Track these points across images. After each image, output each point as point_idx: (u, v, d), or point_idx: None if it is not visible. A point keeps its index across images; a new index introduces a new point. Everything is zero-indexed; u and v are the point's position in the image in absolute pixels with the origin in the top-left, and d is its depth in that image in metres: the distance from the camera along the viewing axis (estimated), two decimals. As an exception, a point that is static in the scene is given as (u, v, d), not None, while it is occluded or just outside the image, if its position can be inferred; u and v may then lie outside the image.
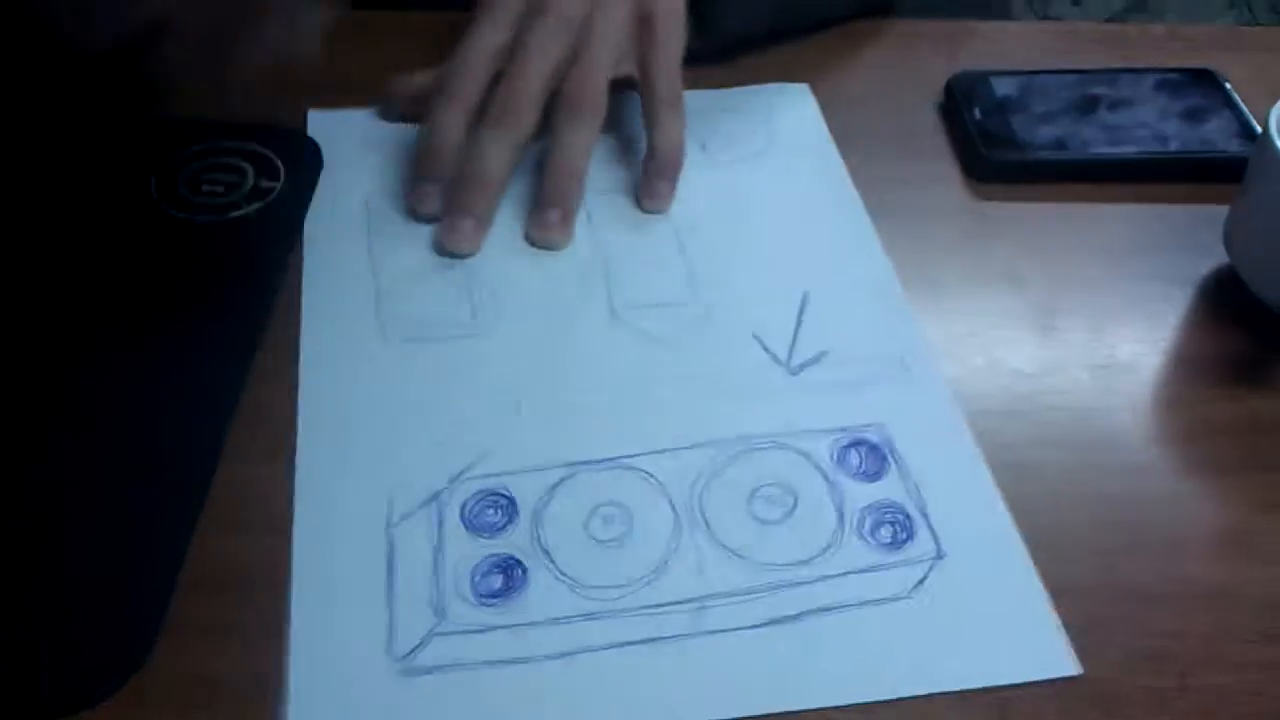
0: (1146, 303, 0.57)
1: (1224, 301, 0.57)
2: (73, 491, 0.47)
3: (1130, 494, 0.49)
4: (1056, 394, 0.53)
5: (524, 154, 0.60)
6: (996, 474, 0.49)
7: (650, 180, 0.61)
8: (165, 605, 0.43)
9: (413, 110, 0.64)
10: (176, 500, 0.47)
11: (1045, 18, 0.85)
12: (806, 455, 0.49)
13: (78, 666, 0.41)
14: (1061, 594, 0.45)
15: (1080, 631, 0.43)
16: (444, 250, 0.58)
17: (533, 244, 0.59)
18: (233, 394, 0.51)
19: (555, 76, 0.59)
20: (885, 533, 0.46)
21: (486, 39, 0.60)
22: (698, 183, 0.63)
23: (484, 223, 0.59)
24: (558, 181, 0.60)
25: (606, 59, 0.60)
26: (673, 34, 0.62)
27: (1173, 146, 0.65)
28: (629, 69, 0.62)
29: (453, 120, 0.59)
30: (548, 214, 0.59)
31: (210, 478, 0.48)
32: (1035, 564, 0.46)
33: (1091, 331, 0.56)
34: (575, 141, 0.60)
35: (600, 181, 0.63)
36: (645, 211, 0.62)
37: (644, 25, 0.61)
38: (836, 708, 0.41)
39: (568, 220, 0.60)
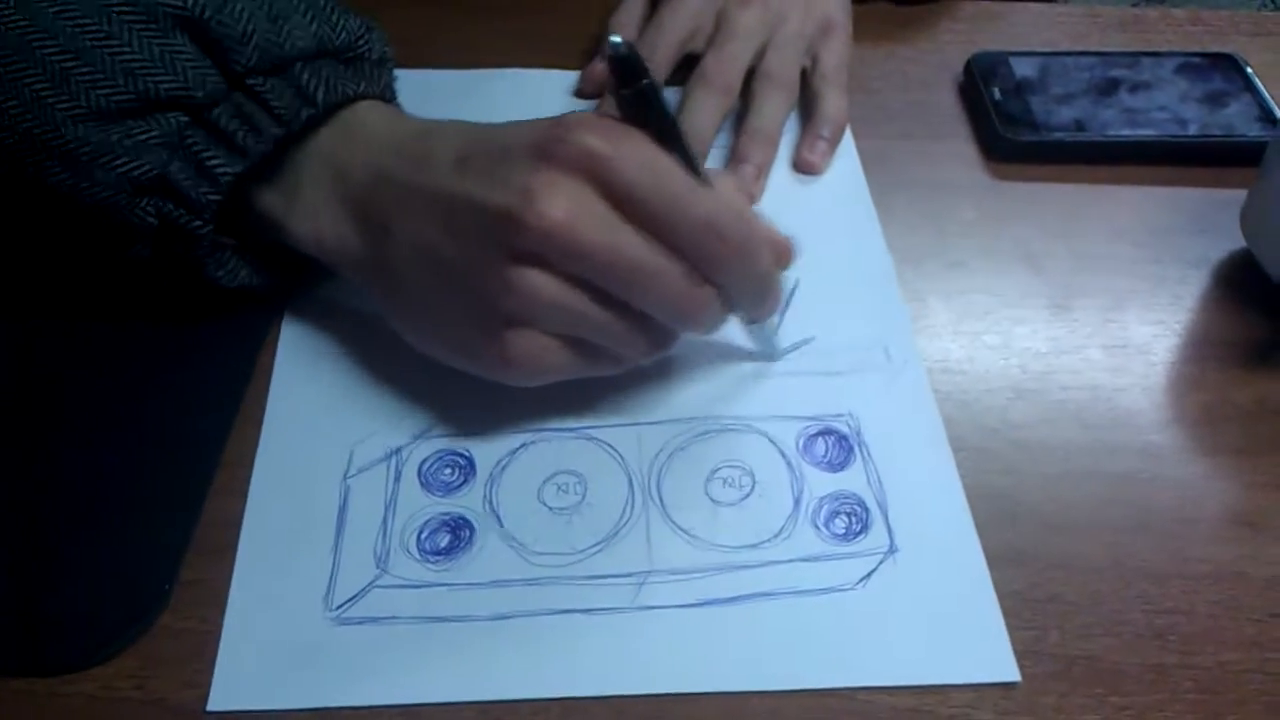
0: (1162, 285, 0.57)
1: (1239, 285, 0.57)
2: (94, 462, 0.47)
3: (1142, 473, 0.49)
4: (1070, 373, 0.53)
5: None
6: (1008, 452, 0.49)
7: (813, 138, 0.64)
8: (176, 568, 0.44)
9: (596, 88, 0.68)
10: (190, 470, 0.47)
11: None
12: (772, 440, 0.49)
13: (91, 625, 0.42)
14: (1070, 572, 0.45)
15: (1088, 609, 0.44)
16: None
17: None
18: (245, 369, 0.52)
19: (755, 57, 0.65)
20: (840, 524, 0.46)
21: (681, 23, 0.65)
22: None
23: None
24: (755, 140, 0.63)
25: (798, 49, 0.66)
26: (847, 40, 0.68)
27: (1192, 130, 0.64)
28: (806, 63, 0.67)
29: None
30: (743, 169, 0.62)
31: (223, 446, 0.48)
32: (1046, 543, 0.46)
33: (1106, 312, 0.56)
34: (773, 109, 0.64)
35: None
36: (800, 169, 0.64)
37: (825, 29, 0.67)
38: (764, 692, 0.41)
39: (761, 176, 0.62)
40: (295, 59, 0.48)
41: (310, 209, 0.49)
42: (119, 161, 0.46)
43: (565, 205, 0.41)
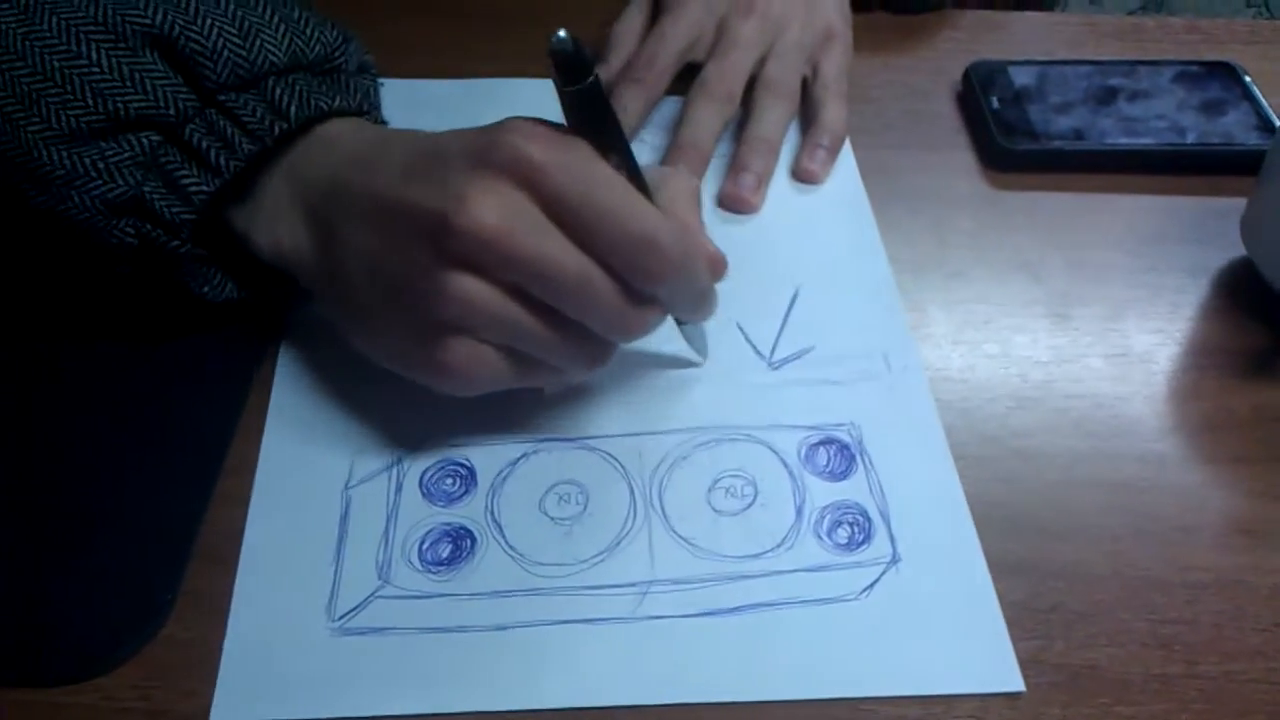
0: (1162, 293, 0.57)
1: (1239, 293, 0.57)
2: (95, 473, 0.47)
3: (1143, 482, 0.49)
4: (1071, 382, 0.53)
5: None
6: (1009, 461, 0.49)
7: (813, 147, 0.64)
8: (179, 578, 0.44)
9: None
10: (192, 480, 0.47)
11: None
12: (774, 450, 0.49)
13: (93, 635, 0.42)
14: (1073, 581, 0.45)
15: (1091, 618, 0.44)
16: None
17: (726, 206, 0.61)
18: (245, 379, 0.52)
19: (755, 66, 0.65)
20: (842, 533, 0.46)
21: (682, 32, 0.66)
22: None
23: None
24: (756, 148, 0.63)
25: (799, 58, 0.66)
26: (848, 50, 0.69)
27: (1190, 139, 0.65)
28: (806, 72, 0.67)
29: (636, 104, 0.64)
30: (744, 177, 0.62)
31: (224, 456, 0.48)
32: (1048, 552, 0.46)
33: (1106, 321, 0.56)
34: (774, 118, 0.64)
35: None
36: (800, 178, 0.64)
37: (826, 38, 0.67)
38: (767, 703, 0.41)
39: (762, 185, 0.62)
40: (268, 73, 0.47)
41: (271, 218, 0.48)
42: (93, 184, 0.45)
43: (499, 211, 0.41)
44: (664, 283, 0.43)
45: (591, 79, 0.41)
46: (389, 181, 0.44)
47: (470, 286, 0.42)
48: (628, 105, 0.64)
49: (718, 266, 0.47)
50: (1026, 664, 0.42)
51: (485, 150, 0.42)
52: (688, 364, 0.52)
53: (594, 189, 0.42)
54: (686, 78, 0.65)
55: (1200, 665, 0.42)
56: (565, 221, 0.42)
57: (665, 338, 0.51)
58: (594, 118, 0.43)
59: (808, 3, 0.67)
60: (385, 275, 0.44)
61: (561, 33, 0.40)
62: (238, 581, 0.44)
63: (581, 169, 0.42)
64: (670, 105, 0.66)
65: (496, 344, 0.44)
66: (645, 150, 0.64)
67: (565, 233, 0.42)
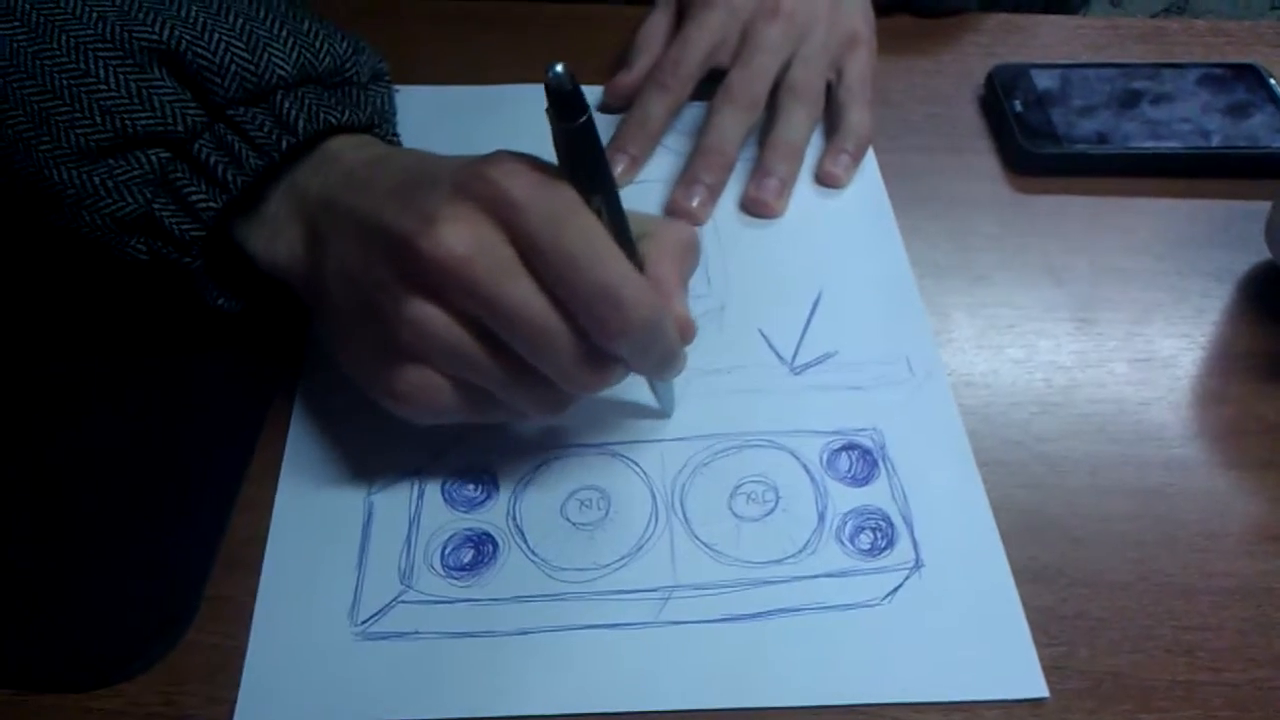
0: (1186, 297, 0.57)
1: (1264, 297, 0.57)
2: (120, 479, 0.47)
3: (1168, 488, 0.48)
4: (1095, 387, 0.52)
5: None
6: (1033, 466, 0.49)
7: (837, 151, 0.64)
8: (203, 584, 0.44)
9: (622, 102, 0.68)
10: (215, 487, 0.47)
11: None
12: (796, 455, 0.49)
13: (118, 641, 0.42)
14: (1097, 587, 0.45)
15: (1116, 625, 0.44)
16: (671, 214, 0.61)
17: (749, 210, 0.62)
18: (269, 385, 0.52)
19: (780, 72, 0.65)
20: (865, 539, 0.46)
21: (707, 38, 0.65)
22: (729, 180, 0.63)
23: (715, 193, 0.62)
24: (780, 153, 0.63)
25: (823, 63, 0.66)
26: (872, 54, 0.68)
27: (1215, 142, 0.64)
28: (831, 77, 0.67)
29: (661, 109, 0.65)
30: (768, 181, 0.62)
31: (248, 463, 0.49)
32: (1072, 558, 0.46)
33: (1131, 325, 0.55)
34: (799, 122, 0.64)
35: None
36: (823, 182, 0.64)
37: (850, 43, 0.67)
38: (790, 708, 0.41)
39: (786, 189, 0.63)
40: (275, 87, 0.47)
41: (272, 231, 0.48)
42: (103, 203, 0.46)
43: (466, 241, 0.40)
44: (623, 340, 0.42)
45: (584, 118, 0.40)
46: (373, 201, 0.43)
47: (428, 313, 0.41)
48: (652, 110, 0.64)
49: (686, 331, 0.45)
50: (1050, 670, 0.42)
51: (467, 180, 0.41)
52: (654, 414, 0.51)
53: (566, 234, 0.40)
54: (709, 82, 0.65)
55: (1225, 672, 0.42)
56: (535, 265, 0.41)
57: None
58: (584, 156, 0.41)
59: (832, 7, 0.67)
60: (357, 293, 0.44)
61: (559, 67, 0.38)
62: (261, 587, 0.44)
63: (558, 213, 0.40)
64: (694, 110, 0.66)
65: (451, 376, 0.43)
66: (669, 156, 0.64)
67: (534, 277, 0.41)
